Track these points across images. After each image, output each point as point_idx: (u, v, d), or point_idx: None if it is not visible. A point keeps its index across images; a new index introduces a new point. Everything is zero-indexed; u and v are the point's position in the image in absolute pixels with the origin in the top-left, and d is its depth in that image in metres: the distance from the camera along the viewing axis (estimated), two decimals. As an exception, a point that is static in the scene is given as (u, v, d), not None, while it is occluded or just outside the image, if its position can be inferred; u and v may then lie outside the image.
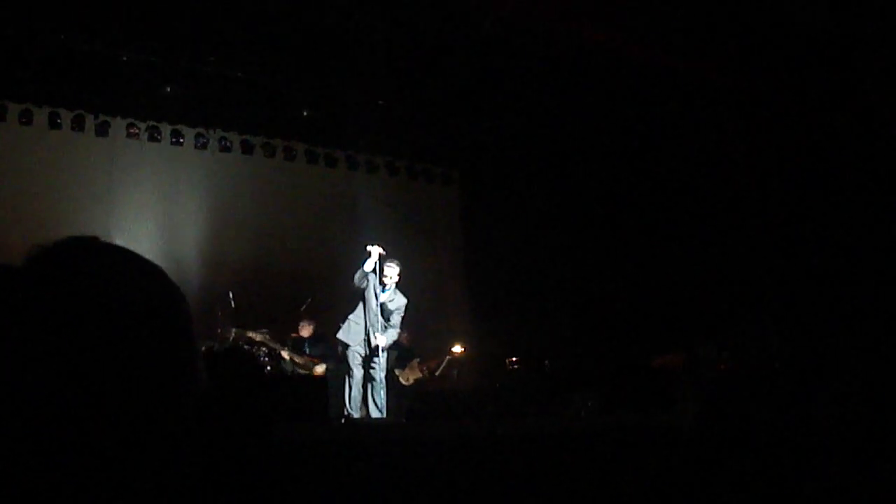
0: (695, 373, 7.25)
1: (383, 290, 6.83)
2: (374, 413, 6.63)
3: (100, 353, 0.67)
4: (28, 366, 0.63)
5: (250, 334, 7.76)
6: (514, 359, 9.36)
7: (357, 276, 6.74)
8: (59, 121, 8.90)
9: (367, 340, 6.74)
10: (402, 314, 6.93)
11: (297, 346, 8.21)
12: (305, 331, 8.37)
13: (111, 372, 0.67)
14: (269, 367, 7.53)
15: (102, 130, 9.16)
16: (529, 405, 8.04)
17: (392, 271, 6.81)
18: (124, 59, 8.25)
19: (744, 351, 6.99)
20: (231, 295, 8.12)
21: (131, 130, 9.29)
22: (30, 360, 0.63)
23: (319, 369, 7.99)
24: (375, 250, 6.70)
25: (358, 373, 6.74)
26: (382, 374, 6.72)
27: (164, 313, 0.72)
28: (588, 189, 10.14)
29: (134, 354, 0.69)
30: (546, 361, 9.34)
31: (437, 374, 9.07)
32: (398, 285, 6.91)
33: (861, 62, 7.18)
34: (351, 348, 6.80)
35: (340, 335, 6.91)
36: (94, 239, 0.75)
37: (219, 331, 7.73)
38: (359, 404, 6.75)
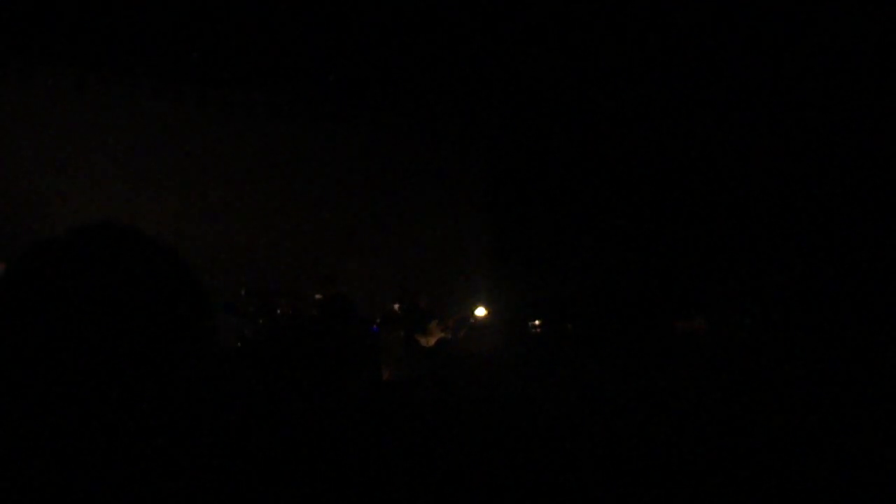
0: (717, 338, 7.21)
1: None
2: None
3: (118, 335, 0.68)
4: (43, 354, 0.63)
5: (273, 298, 7.82)
6: (536, 322, 9.35)
7: None
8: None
9: None
10: None
11: (324, 309, 8.25)
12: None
13: (127, 352, 0.68)
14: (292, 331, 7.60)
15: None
16: (552, 368, 8.04)
17: None
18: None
19: (766, 318, 6.93)
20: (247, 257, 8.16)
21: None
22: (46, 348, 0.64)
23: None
24: None
25: None
26: None
27: (177, 302, 0.72)
28: (614, 151, 9.99)
29: (151, 337, 0.70)
30: (569, 325, 9.33)
31: (460, 335, 9.09)
32: None
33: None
34: None
35: None
36: (109, 224, 0.75)
37: (242, 292, 7.81)
38: None
